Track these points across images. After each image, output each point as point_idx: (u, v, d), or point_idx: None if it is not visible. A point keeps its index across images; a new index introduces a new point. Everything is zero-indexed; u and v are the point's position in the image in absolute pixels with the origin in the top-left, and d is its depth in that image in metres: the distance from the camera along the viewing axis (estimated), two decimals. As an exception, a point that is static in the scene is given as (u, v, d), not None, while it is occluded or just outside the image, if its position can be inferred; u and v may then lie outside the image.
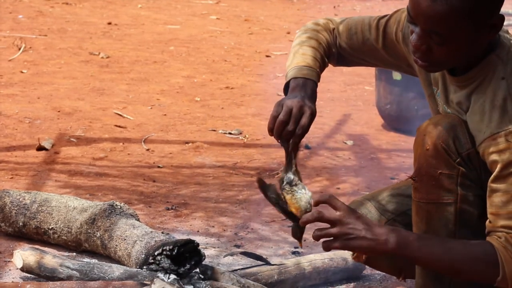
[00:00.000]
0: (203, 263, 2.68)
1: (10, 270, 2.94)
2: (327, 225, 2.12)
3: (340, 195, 3.92)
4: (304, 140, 2.34)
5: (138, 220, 3.08)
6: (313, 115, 2.27)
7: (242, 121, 5.17)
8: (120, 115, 5.11)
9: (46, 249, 2.96)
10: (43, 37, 7.16)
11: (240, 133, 4.92)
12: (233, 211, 3.64)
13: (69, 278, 2.70)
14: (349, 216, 2.10)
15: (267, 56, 7.13)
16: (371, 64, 2.55)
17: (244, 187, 3.98)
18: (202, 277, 2.65)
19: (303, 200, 2.20)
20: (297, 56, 2.41)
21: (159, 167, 4.25)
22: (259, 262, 2.87)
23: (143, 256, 2.79)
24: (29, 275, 2.81)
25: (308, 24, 2.54)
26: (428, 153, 2.21)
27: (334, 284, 2.95)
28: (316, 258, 2.93)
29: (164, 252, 2.60)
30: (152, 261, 2.62)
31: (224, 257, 3.07)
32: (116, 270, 2.70)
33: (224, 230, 3.42)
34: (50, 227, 3.10)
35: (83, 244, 3.06)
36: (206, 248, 3.17)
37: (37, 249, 2.83)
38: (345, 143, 4.92)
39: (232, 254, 3.07)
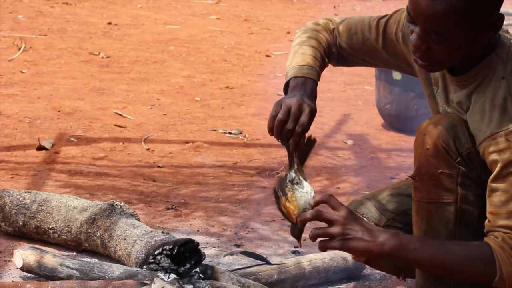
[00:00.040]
0: (203, 262, 2.68)
1: (10, 269, 2.94)
2: (325, 225, 2.12)
3: (340, 195, 3.92)
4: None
5: (138, 219, 3.08)
6: (312, 112, 2.26)
7: (242, 121, 5.17)
8: (120, 115, 5.11)
9: (46, 248, 2.96)
10: (43, 37, 7.17)
11: (240, 133, 4.92)
12: (233, 211, 3.64)
13: (69, 277, 2.70)
14: (347, 216, 2.11)
15: (267, 56, 7.13)
16: (371, 64, 2.55)
17: (244, 187, 3.98)
18: (202, 276, 2.65)
19: (302, 199, 2.20)
20: (297, 56, 2.41)
21: (159, 166, 4.25)
22: (259, 262, 2.87)
23: (143, 255, 2.79)
24: (29, 274, 2.81)
25: (308, 24, 2.54)
26: (428, 152, 2.21)
27: (334, 284, 2.94)
28: (316, 257, 2.93)
29: (164, 252, 2.60)
30: (152, 260, 2.62)
31: (224, 256, 3.07)
32: (116, 269, 2.70)
33: (224, 229, 3.42)
34: (50, 226, 3.10)
35: (83, 243, 3.06)
36: (206, 247, 3.17)
37: (37, 248, 2.83)
38: (345, 142, 4.92)
39: (232, 254, 3.07)
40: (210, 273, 2.66)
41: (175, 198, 3.76)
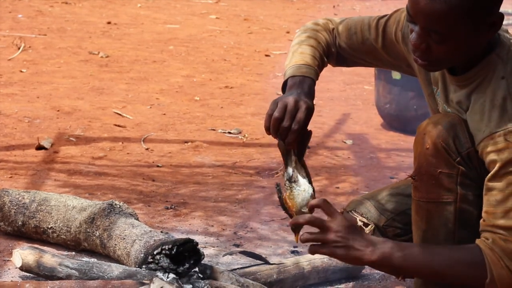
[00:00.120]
0: (202, 262, 2.68)
1: (9, 269, 2.93)
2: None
3: (340, 195, 3.92)
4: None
5: (137, 219, 3.07)
6: (309, 109, 2.25)
7: (241, 121, 5.17)
8: (120, 114, 5.11)
9: (45, 248, 2.96)
10: (42, 36, 7.16)
11: (240, 133, 4.92)
12: (232, 211, 3.64)
13: (68, 277, 2.70)
14: (340, 224, 2.13)
15: (267, 55, 7.13)
16: (370, 64, 2.55)
17: (244, 187, 3.98)
18: (201, 276, 2.65)
19: (299, 197, 2.22)
20: (296, 55, 2.41)
21: (158, 166, 4.24)
22: (258, 262, 2.87)
23: (142, 255, 2.78)
24: (28, 274, 2.81)
25: (308, 24, 2.54)
26: (428, 152, 2.21)
27: (333, 284, 2.94)
28: (315, 257, 2.93)
29: (163, 251, 2.60)
30: (151, 260, 2.62)
31: (223, 256, 3.06)
32: (115, 269, 2.69)
33: (223, 229, 3.42)
34: (49, 226, 3.10)
35: (82, 243, 3.06)
36: (205, 247, 3.17)
37: (36, 248, 2.83)
38: (345, 142, 4.91)
39: (231, 253, 3.07)
40: (209, 273, 2.66)
41: (174, 198, 3.76)
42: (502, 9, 2.14)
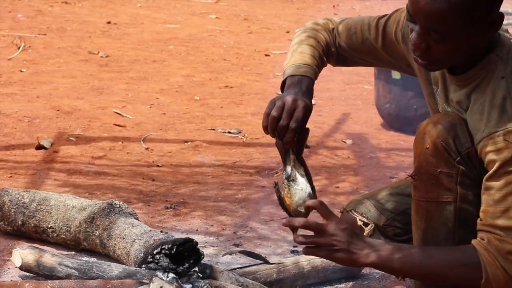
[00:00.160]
0: (202, 262, 2.68)
1: (9, 268, 2.93)
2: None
3: (339, 194, 3.92)
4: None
5: (137, 219, 3.07)
6: (307, 108, 2.25)
7: (241, 120, 5.17)
8: (119, 114, 5.11)
9: (45, 247, 2.96)
10: (42, 36, 7.16)
11: (239, 132, 4.92)
12: (232, 210, 3.64)
13: (67, 276, 2.70)
14: (336, 227, 2.14)
15: (267, 55, 7.13)
16: (370, 64, 2.55)
17: (243, 186, 3.98)
18: (201, 276, 2.65)
19: (296, 196, 2.23)
20: (295, 55, 2.41)
21: (158, 166, 4.24)
22: (258, 261, 2.87)
23: (142, 255, 2.78)
24: (28, 273, 2.81)
25: (308, 24, 2.54)
26: (428, 151, 2.21)
27: (333, 283, 2.94)
28: (315, 257, 2.93)
29: (163, 251, 2.60)
30: (151, 260, 2.62)
31: (223, 256, 3.06)
32: (115, 268, 2.69)
33: (223, 229, 3.42)
34: (49, 225, 3.10)
35: (82, 242, 3.06)
36: (205, 247, 3.17)
37: (36, 247, 2.83)
38: (344, 142, 4.91)
39: (231, 253, 3.07)
40: (209, 273, 2.66)
41: (174, 198, 3.76)
42: (502, 9, 2.14)
